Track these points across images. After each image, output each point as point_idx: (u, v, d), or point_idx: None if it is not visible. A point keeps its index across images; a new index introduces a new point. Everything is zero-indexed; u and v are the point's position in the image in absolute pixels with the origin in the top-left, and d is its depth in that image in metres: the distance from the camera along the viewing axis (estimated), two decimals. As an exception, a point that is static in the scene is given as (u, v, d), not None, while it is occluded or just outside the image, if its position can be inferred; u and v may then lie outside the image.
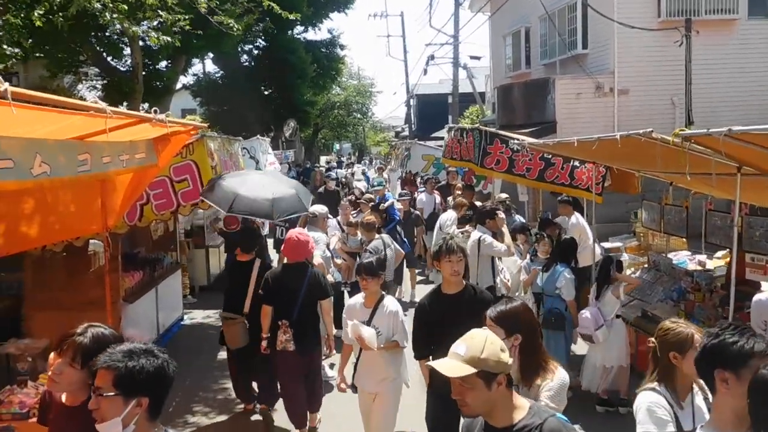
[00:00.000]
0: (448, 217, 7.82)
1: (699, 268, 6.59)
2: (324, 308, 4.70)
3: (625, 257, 8.35)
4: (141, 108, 10.80)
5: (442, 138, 27.95)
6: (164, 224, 7.29)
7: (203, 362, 6.58)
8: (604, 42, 12.69)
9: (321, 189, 10.73)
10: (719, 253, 8.35)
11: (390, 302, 3.94)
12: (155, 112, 3.46)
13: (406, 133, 34.01)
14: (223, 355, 6.73)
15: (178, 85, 17.32)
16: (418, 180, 13.24)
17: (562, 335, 5.38)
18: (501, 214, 5.59)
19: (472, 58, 25.45)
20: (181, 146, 5.07)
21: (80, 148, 3.27)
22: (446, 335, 2.26)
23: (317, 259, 5.66)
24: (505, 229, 5.60)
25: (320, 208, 6.15)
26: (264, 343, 4.58)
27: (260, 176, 6.20)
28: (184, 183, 5.48)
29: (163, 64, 14.64)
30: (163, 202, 5.45)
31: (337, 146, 50.04)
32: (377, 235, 6.36)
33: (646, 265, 6.85)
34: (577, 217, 7.74)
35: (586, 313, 5.03)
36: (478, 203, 8.41)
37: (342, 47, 24.70)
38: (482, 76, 27.12)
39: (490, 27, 19.92)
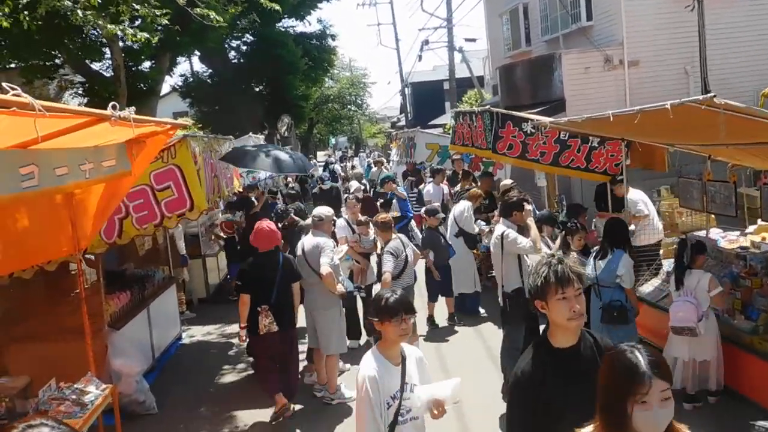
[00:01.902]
0: (463, 208, 7.16)
1: (748, 246, 5.93)
2: (294, 290, 5.10)
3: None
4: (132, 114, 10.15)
5: (440, 126, 27.47)
6: (152, 237, 6.64)
7: (208, 383, 5.97)
8: (610, 12, 11.99)
9: (315, 190, 9.98)
10: (751, 228, 7.74)
11: (410, 349, 2.82)
12: (114, 108, 2.80)
13: (403, 123, 33.30)
14: (229, 373, 6.17)
15: (167, 88, 16.66)
16: (424, 171, 12.54)
17: (628, 329, 4.76)
18: (528, 206, 4.93)
19: (467, 40, 24.66)
20: (159, 149, 4.42)
21: (22, 158, 2.63)
22: (569, 419, 1.68)
23: (325, 269, 5.03)
24: (531, 222, 4.94)
25: (326, 211, 5.50)
26: (243, 333, 5.00)
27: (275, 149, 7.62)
28: (168, 191, 4.83)
29: (146, 64, 13.97)
30: (144, 215, 4.81)
31: (333, 141, 49.33)
32: (394, 235, 5.73)
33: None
34: (633, 192, 7.14)
35: (682, 305, 4.47)
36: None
37: (333, 38, 23.95)
38: (479, 60, 26.35)
39: (485, 6, 19.23)
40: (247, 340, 5.21)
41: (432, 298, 7.13)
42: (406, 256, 5.60)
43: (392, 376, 2.63)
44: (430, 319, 7.08)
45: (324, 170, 20.30)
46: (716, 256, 5.75)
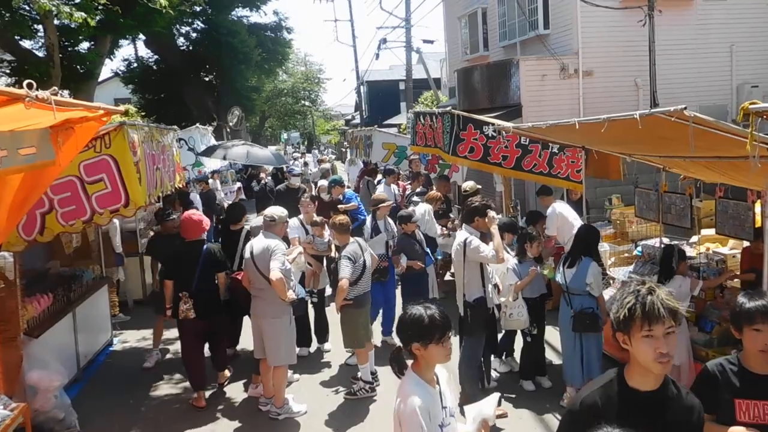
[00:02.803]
0: (423, 210, 6.91)
1: (694, 256, 6.01)
2: (220, 279, 5.25)
3: (605, 247, 7.81)
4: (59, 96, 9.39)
5: (395, 126, 27.33)
6: (81, 233, 6.04)
7: (141, 396, 5.46)
8: (566, 22, 12.14)
9: (281, 186, 9.41)
10: (694, 239, 7.94)
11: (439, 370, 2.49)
12: (30, 86, 2.36)
13: (357, 121, 32.97)
14: (166, 384, 5.68)
15: (108, 72, 15.67)
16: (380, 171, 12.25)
17: (598, 337, 4.74)
18: (492, 213, 4.74)
19: (425, 42, 24.56)
20: (91, 137, 3.93)
21: None
22: None
23: (275, 274, 4.65)
24: (495, 230, 4.75)
25: (280, 211, 5.11)
26: (168, 312, 5.13)
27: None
28: (100, 184, 4.32)
29: (84, 45, 13.04)
30: (71, 210, 4.28)
31: (285, 135, 48.32)
32: (352, 238, 5.40)
33: (639, 258, 6.18)
34: (554, 207, 7.14)
35: None
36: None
37: (289, 31, 23.34)
38: (436, 62, 26.39)
39: (444, 9, 19.19)
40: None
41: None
42: (364, 260, 5.29)
43: (435, 402, 2.34)
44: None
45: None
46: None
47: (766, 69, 12.13)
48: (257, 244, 4.97)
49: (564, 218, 7.04)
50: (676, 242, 5.84)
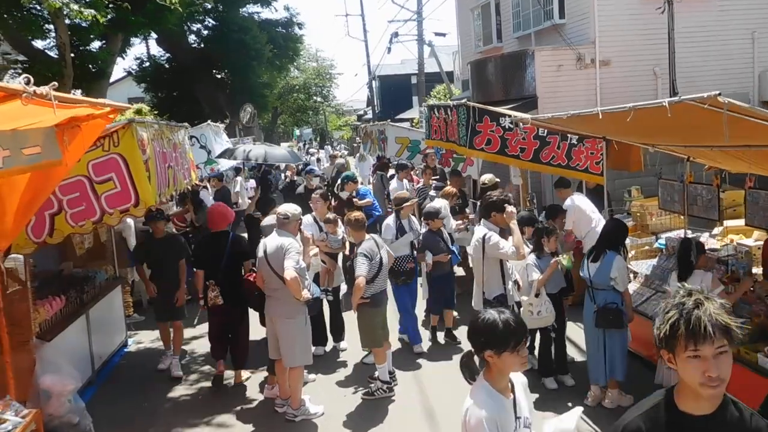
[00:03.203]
0: (440, 206, 6.73)
1: (718, 248, 5.78)
2: (245, 267, 5.42)
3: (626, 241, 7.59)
4: (72, 95, 9.38)
5: (408, 120, 27.09)
6: (93, 233, 5.98)
7: (157, 398, 5.39)
8: (583, 11, 11.85)
9: (300, 188, 9.22)
10: (716, 230, 7.68)
11: (514, 375, 2.31)
12: (28, 82, 2.24)
13: (369, 116, 32.80)
14: (182, 386, 5.61)
15: (121, 72, 15.72)
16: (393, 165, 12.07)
17: (623, 334, 4.56)
18: (511, 207, 4.56)
19: (437, 35, 24.47)
20: (98, 135, 3.82)
21: None
22: None
23: (289, 273, 4.53)
24: (514, 225, 4.58)
25: (293, 209, 4.98)
26: (201, 302, 5.44)
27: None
28: (109, 184, 4.22)
29: (96, 44, 13.05)
30: (81, 210, 4.18)
31: (297, 132, 48.32)
32: (367, 235, 5.26)
33: (663, 252, 5.96)
34: (572, 200, 6.93)
35: None
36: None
37: (300, 26, 23.21)
38: (448, 55, 26.09)
39: (456, 1, 18.90)
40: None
41: (435, 310, 6.36)
42: (381, 258, 5.15)
43: (507, 413, 2.16)
44: (433, 332, 6.33)
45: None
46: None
47: (790, 55, 11.75)
48: (270, 242, 4.86)
49: (581, 211, 6.83)
50: (695, 235, 5.60)
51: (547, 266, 5.05)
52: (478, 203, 8.37)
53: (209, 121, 9.03)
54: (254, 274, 5.19)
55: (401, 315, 6.13)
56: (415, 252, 6.09)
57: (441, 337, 6.31)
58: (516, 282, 4.85)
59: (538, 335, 5.33)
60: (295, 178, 11.41)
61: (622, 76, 11.51)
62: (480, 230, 4.60)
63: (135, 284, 7.75)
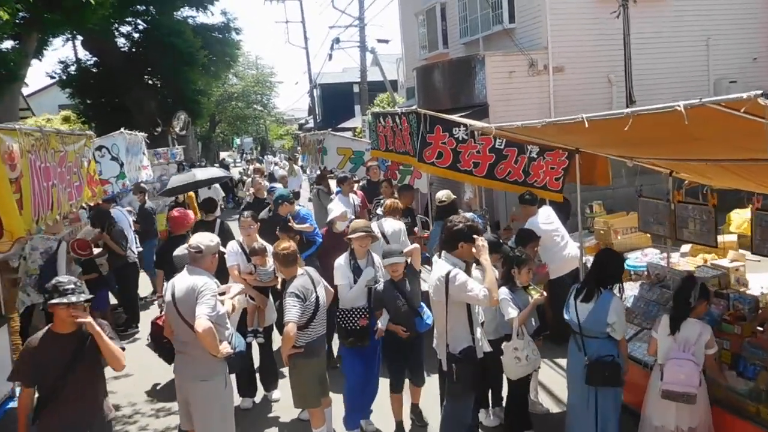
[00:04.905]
0: (399, 228, 5.76)
1: (692, 270, 5.13)
2: None
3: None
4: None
5: (350, 129, 26.20)
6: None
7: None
8: (534, 14, 11.38)
9: (248, 197, 8.06)
10: (684, 248, 7.19)
11: None
12: None
13: (311, 125, 31.74)
14: None
15: (47, 80, 14.17)
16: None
17: (617, 392, 3.76)
18: (481, 239, 3.64)
19: (379, 41, 23.43)
20: None
21: None
22: None
23: (202, 323, 3.49)
24: (486, 261, 3.56)
25: (208, 240, 3.89)
26: (159, 301, 5.52)
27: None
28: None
29: (7, 44, 11.54)
30: None
31: (237, 141, 46.48)
32: (300, 270, 4.24)
33: (645, 280, 5.26)
34: (536, 221, 6.07)
35: (684, 364, 3.46)
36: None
37: (237, 32, 21.97)
38: (391, 63, 25.45)
39: (399, 6, 18.33)
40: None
41: (396, 386, 4.50)
42: (317, 297, 4.16)
43: None
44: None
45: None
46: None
47: (743, 63, 11.67)
48: (180, 283, 3.79)
49: (544, 231, 6.01)
50: (701, 275, 4.88)
51: (523, 299, 4.24)
52: (432, 224, 7.46)
53: (122, 129, 7.78)
54: (163, 317, 4.15)
55: (345, 392, 4.59)
56: (372, 302, 4.42)
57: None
58: (482, 324, 3.95)
59: (505, 383, 4.47)
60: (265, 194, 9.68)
61: (576, 83, 11.10)
62: (442, 266, 3.66)
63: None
